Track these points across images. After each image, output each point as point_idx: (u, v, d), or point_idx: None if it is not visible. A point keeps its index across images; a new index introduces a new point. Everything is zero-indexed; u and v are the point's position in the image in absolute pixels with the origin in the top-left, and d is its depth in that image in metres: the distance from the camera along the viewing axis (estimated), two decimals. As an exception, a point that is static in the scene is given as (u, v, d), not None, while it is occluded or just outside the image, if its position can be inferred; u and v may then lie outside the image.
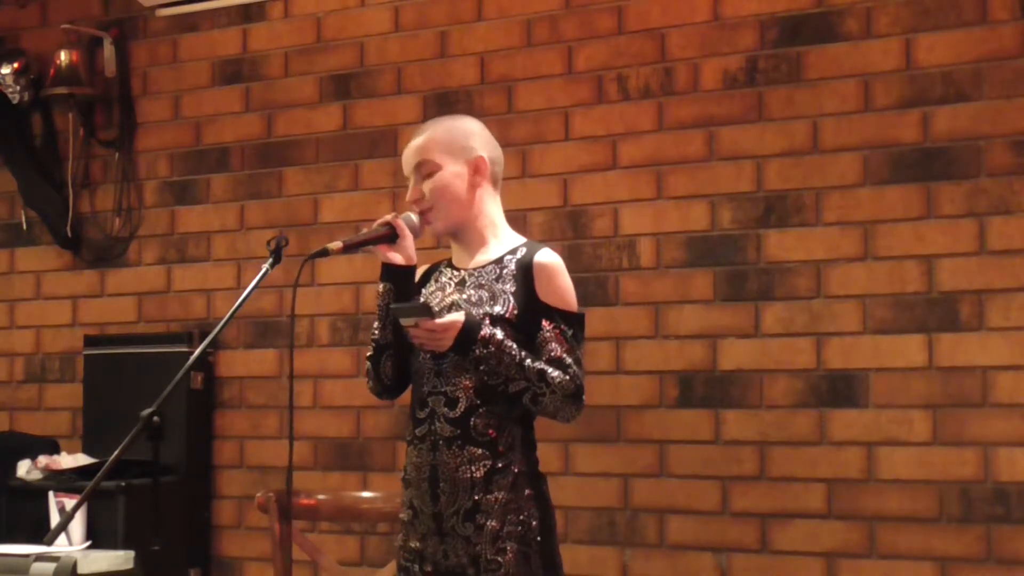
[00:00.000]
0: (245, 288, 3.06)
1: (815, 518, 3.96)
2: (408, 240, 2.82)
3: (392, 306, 2.78)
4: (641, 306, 4.24)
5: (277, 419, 4.88)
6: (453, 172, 2.85)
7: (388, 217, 2.84)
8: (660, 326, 4.22)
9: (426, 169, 2.85)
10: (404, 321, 2.72)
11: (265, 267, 3.08)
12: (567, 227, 4.36)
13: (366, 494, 4.04)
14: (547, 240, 4.04)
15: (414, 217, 2.85)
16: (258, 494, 3.50)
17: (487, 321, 2.73)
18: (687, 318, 4.18)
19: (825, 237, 4.01)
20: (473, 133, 2.91)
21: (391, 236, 2.81)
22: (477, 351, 2.69)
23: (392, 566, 3.46)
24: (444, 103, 4.62)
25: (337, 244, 2.76)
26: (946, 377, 3.83)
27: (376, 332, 2.87)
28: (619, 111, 4.34)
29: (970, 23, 3.87)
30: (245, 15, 5.06)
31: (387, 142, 4.74)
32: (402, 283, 2.83)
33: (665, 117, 4.26)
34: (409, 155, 2.88)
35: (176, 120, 5.19)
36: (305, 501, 3.54)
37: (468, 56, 4.61)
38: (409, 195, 2.87)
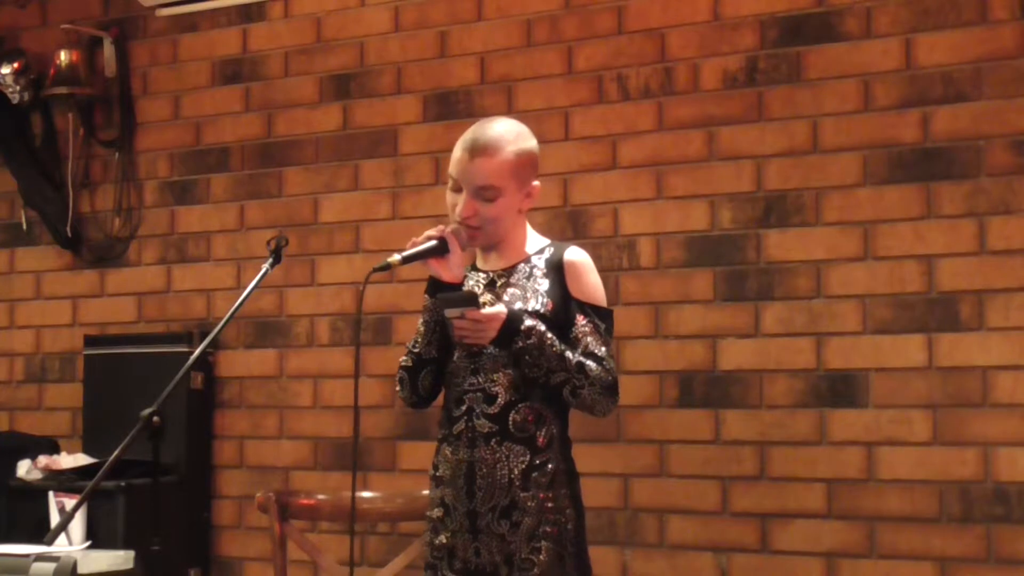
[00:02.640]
0: (245, 288, 3.07)
1: (815, 518, 3.96)
2: (457, 256, 2.78)
3: (439, 295, 2.75)
4: (641, 306, 4.24)
5: (277, 419, 4.88)
6: (512, 200, 2.82)
7: (439, 229, 2.78)
8: (660, 326, 4.22)
9: (490, 194, 2.79)
10: (449, 313, 2.70)
11: (265, 267, 3.08)
12: (567, 227, 4.36)
13: (366, 494, 4.02)
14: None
15: (463, 231, 2.80)
16: (258, 494, 3.50)
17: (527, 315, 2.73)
18: (687, 318, 4.18)
19: (825, 237, 4.01)
20: (536, 155, 2.87)
21: (443, 249, 2.77)
22: (520, 342, 2.69)
23: (393, 566, 3.47)
24: (444, 103, 4.62)
25: (396, 258, 2.72)
26: (946, 377, 3.83)
27: (418, 347, 2.84)
28: (619, 111, 4.33)
29: (970, 23, 3.87)
30: (245, 15, 5.06)
31: (387, 142, 4.74)
32: None
33: (665, 117, 4.26)
34: (475, 172, 2.79)
35: (176, 120, 5.18)
36: (305, 501, 3.53)
37: (468, 56, 4.61)
38: (462, 210, 2.79)
